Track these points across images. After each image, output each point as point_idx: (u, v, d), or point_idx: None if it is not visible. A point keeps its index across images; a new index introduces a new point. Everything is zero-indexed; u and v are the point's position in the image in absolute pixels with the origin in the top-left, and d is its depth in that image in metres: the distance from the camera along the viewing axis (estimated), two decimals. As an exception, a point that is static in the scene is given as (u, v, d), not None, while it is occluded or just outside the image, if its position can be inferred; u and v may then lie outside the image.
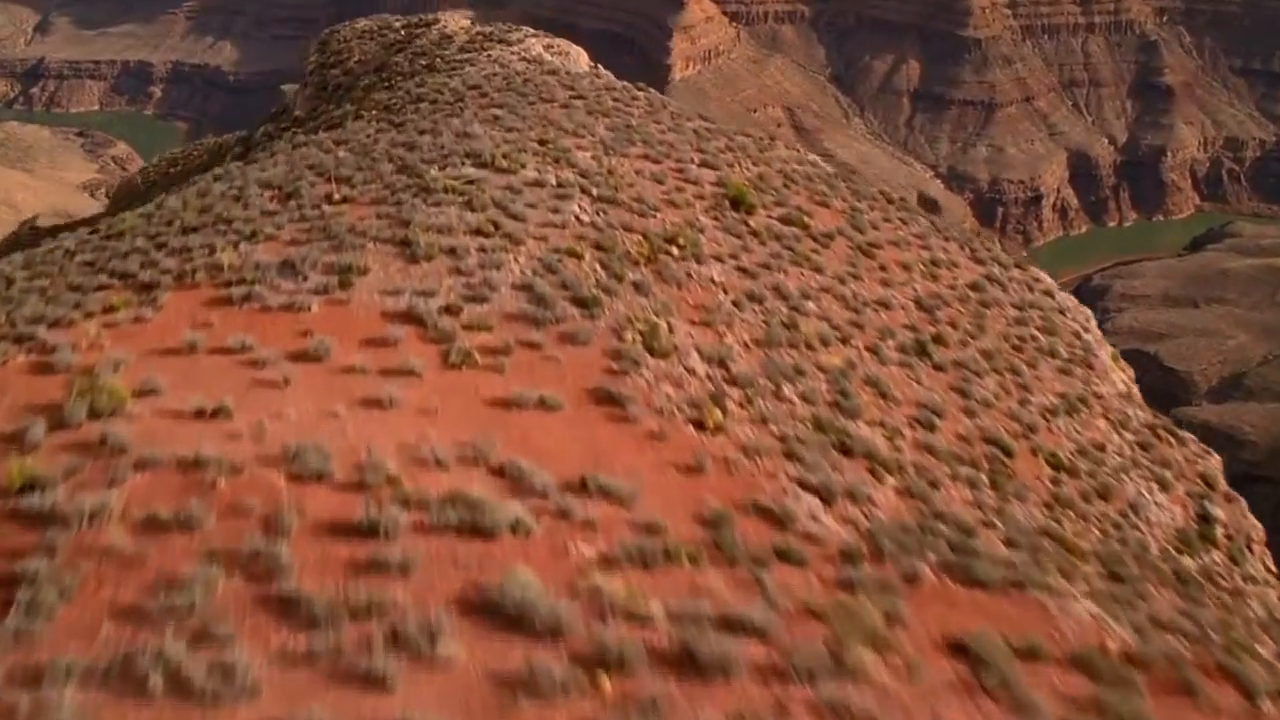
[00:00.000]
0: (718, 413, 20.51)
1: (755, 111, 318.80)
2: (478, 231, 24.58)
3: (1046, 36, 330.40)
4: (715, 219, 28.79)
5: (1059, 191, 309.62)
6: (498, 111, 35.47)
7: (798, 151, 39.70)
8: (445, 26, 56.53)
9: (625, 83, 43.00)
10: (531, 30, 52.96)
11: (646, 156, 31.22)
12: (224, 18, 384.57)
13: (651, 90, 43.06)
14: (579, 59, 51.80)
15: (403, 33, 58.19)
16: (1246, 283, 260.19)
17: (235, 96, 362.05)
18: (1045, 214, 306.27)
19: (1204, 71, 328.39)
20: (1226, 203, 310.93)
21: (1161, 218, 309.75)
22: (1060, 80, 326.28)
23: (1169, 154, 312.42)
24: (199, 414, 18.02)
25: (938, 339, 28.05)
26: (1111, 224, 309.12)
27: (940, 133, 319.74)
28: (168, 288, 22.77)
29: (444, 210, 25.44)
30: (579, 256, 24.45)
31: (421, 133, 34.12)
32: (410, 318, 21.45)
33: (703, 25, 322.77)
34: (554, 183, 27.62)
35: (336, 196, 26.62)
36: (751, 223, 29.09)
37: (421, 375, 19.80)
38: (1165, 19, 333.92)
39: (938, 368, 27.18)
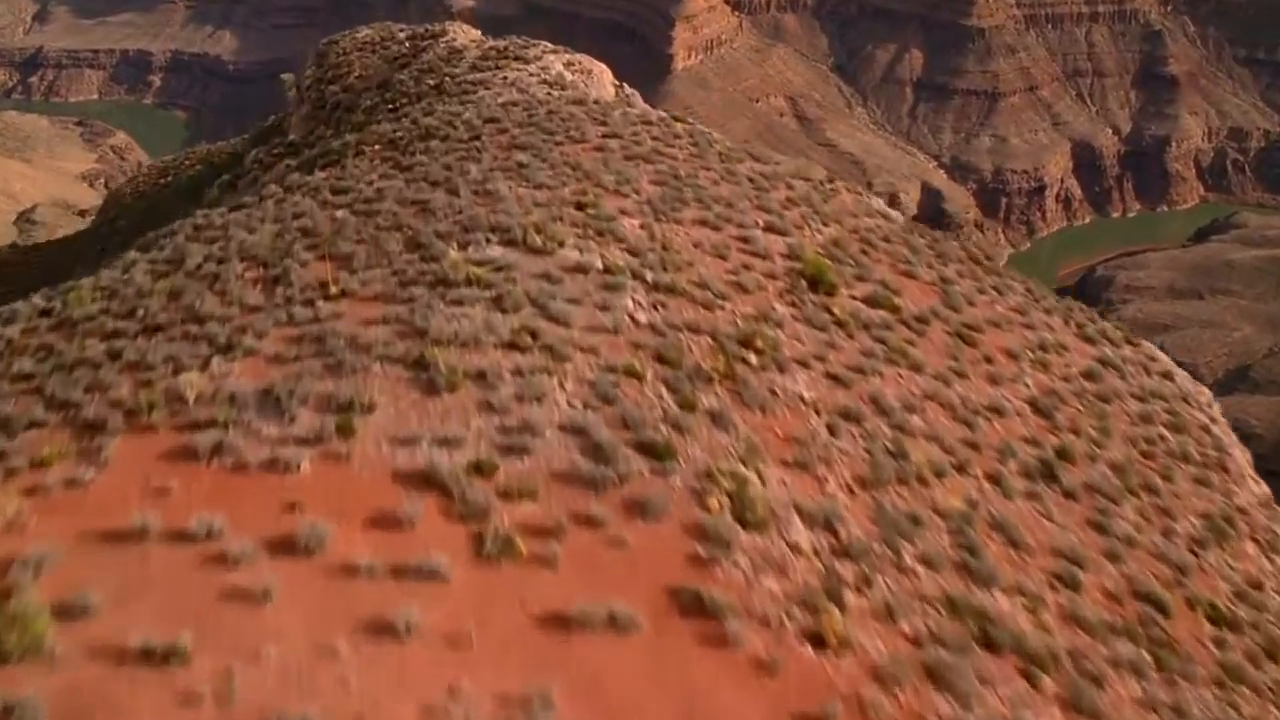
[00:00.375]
0: (837, 616, 15.24)
1: (758, 101, 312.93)
2: (511, 345, 19.17)
3: (1050, 26, 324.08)
4: (793, 305, 23.40)
5: (1063, 182, 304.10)
6: (521, 156, 30.01)
7: (861, 197, 34.27)
8: (454, 39, 50.98)
9: (661, 113, 37.54)
10: (549, 46, 47.43)
11: (704, 222, 25.77)
12: (223, 7, 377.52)
13: (690, 121, 37.63)
14: (603, 78, 46.34)
15: (407, 45, 52.64)
16: (1252, 274, 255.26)
17: (235, 86, 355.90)
18: (1049, 204, 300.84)
19: (1208, 61, 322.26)
20: (1231, 193, 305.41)
21: (1165, 208, 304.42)
22: (1064, 70, 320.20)
23: (1173, 144, 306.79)
24: (145, 655, 12.83)
25: (1063, 454, 22.72)
26: (1115, 214, 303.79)
27: (943, 123, 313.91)
28: (117, 430, 17.38)
29: (467, 312, 20.04)
30: (639, 376, 19.09)
31: (434, 184, 28.67)
32: (430, 481, 16.09)
33: (705, 14, 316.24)
34: (599, 266, 22.21)
35: (334, 288, 21.21)
36: (834, 308, 23.71)
37: (448, 577, 14.49)
38: (1169, 8, 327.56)
39: (1068, 494, 21.85)
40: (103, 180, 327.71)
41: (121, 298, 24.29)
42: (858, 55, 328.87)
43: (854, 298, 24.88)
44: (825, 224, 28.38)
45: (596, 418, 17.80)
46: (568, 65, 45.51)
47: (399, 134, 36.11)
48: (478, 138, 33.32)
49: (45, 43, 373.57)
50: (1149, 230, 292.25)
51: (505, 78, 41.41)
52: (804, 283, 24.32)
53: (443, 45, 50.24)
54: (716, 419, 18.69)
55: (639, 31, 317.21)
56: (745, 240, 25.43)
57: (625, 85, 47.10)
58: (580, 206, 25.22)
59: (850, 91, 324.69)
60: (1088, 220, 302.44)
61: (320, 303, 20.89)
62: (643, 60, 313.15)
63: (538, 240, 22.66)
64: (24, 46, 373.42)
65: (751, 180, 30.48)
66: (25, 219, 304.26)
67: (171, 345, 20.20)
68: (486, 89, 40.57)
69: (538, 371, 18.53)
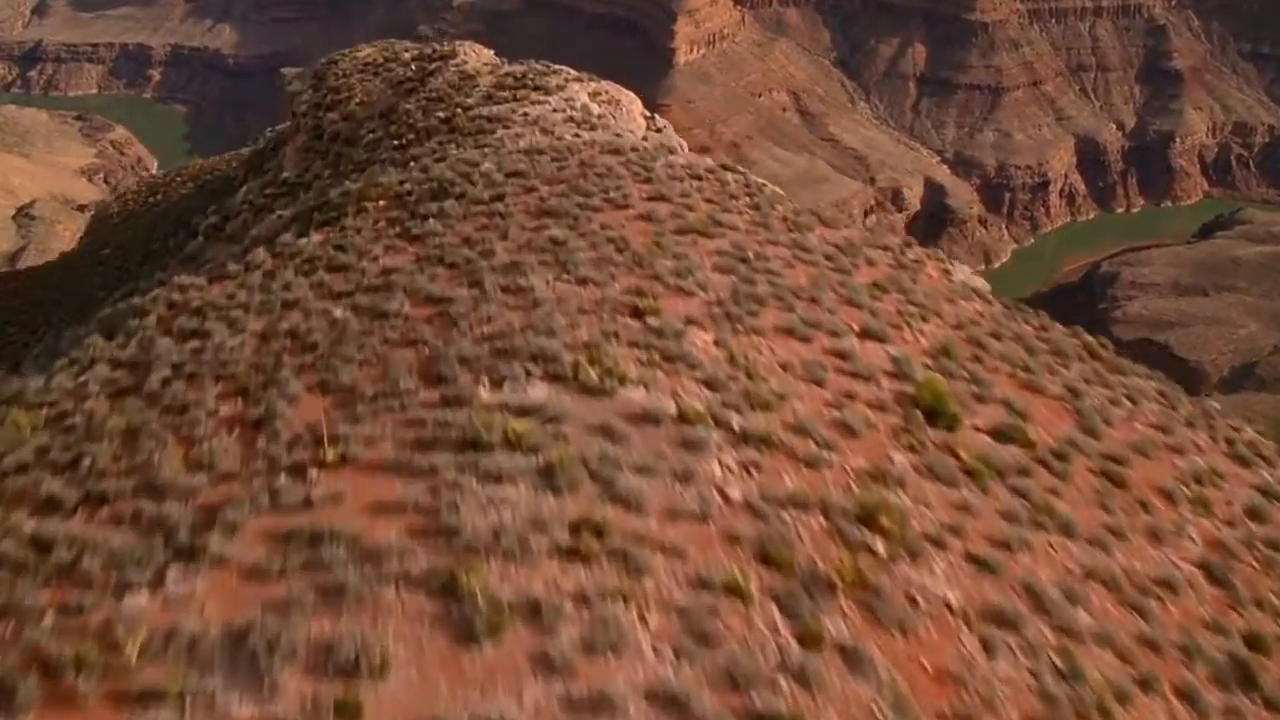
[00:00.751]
0: None
1: (760, 96, 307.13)
2: (571, 552, 14.00)
3: (1054, 20, 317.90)
4: (911, 450, 18.22)
5: (1067, 177, 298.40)
6: (556, 230, 24.78)
7: (945, 265, 29.06)
8: (464, 62, 45.64)
9: (707, 161, 32.32)
10: (572, 73, 42.13)
11: (789, 330, 20.55)
12: (223, 0, 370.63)
13: (740, 169, 32.46)
14: (632, 109, 41.10)
15: (414, 67, 47.28)
16: (1257, 270, 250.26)
17: (235, 80, 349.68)
18: (1053, 200, 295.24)
19: (1213, 56, 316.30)
20: (1235, 189, 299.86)
21: (1170, 204, 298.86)
22: (1068, 65, 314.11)
23: (1177, 139, 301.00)
24: None
25: (1254, 642, 17.63)
26: (1119, 210, 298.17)
27: (947, 117, 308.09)
28: (29, 703, 12.26)
29: (508, 495, 14.84)
30: (743, 595, 13.93)
31: (451, 266, 23.49)
32: (469, 806, 11.02)
33: (707, 9, 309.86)
34: (672, 412, 17.02)
35: (331, 453, 16.01)
36: (961, 450, 18.55)
37: None
38: (1173, 2, 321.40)
39: (1269, 703, 16.81)
40: (102, 175, 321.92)
41: (67, 430, 19.15)
42: (860, 49, 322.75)
43: (978, 429, 19.70)
44: (924, 318, 23.18)
45: (694, 675, 12.66)
46: (594, 96, 40.23)
47: (407, 186, 30.86)
48: (500, 198, 28.07)
49: (44, 36, 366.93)
50: (1153, 226, 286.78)
51: (526, 114, 36.13)
52: (919, 414, 19.14)
53: (452, 69, 44.91)
54: (850, 657, 13.56)
55: (640, 26, 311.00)
56: (841, 355, 20.22)
57: (657, 116, 41.83)
58: (638, 314, 20.00)
59: (853, 86, 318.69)
60: (1092, 216, 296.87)
61: (313, 473, 15.70)
62: (644, 54, 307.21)
63: (592, 374, 17.46)
64: (23, 40, 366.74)
65: (829, 258, 25.25)
66: (24, 214, 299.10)
67: (118, 535, 15.05)
68: (505, 127, 35.31)
69: (609, 597, 13.37)
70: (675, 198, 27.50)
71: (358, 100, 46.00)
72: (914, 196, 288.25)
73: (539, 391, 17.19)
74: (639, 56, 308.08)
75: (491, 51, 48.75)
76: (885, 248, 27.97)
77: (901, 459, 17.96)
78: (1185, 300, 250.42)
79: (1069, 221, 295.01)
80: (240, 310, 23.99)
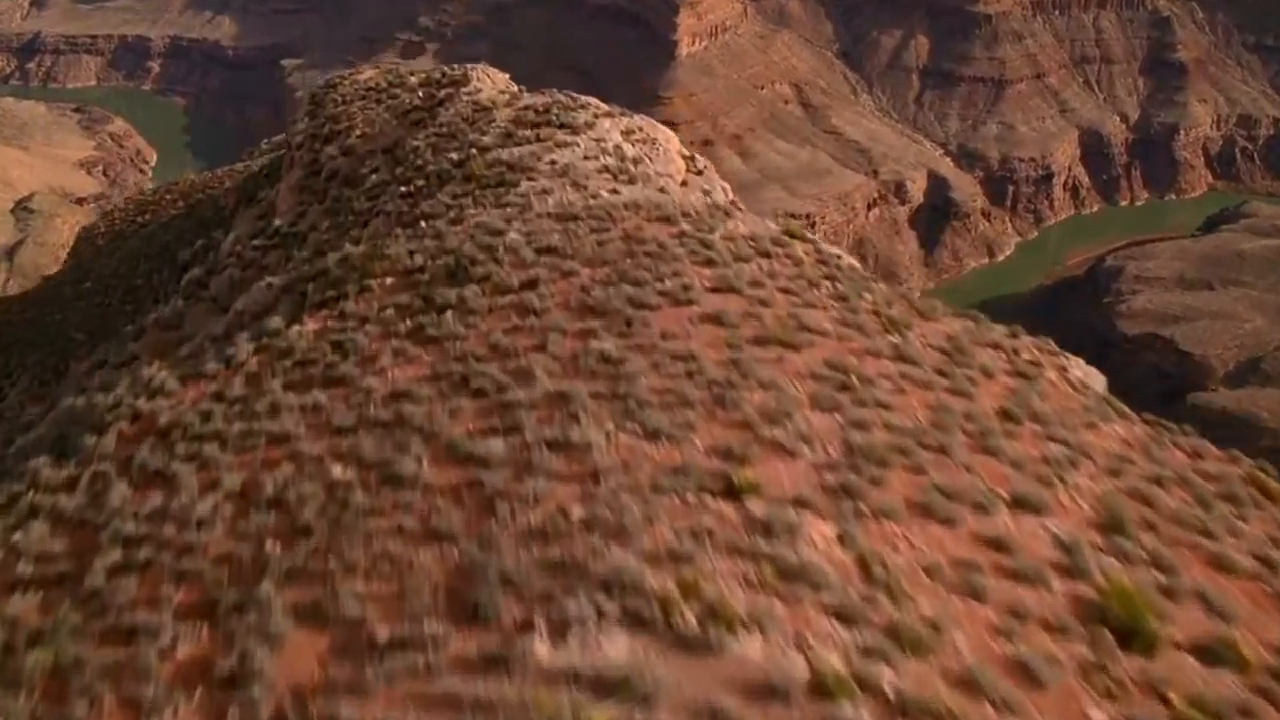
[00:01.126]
0: None
1: (762, 88, 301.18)
2: None
3: (1057, 12, 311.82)
4: (1109, 695, 13.29)
5: (1070, 170, 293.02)
6: (607, 344, 19.75)
7: (1056, 355, 24.04)
8: (478, 90, 40.44)
9: (770, 228, 27.24)
10: (599, 106, 36.98)
11: (925, 508, 15.49)
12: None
13: (810, 238, 27.40)
14: (669, 148, 35.99)
15: (420, 94, 42.06)
16: (1263, 264, 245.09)
17: (234, 72, 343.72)
18: (1056, 193, 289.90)
19: (1217, 48, 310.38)
20: (1240, 181, 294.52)
21: (1174, 197, 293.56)
22: (1071, 57, 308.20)
23: (1182, 132, 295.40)
24: None
25: None
26: (1123, 203, 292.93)
27: (950, 110, 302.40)
28: None
29: None
30: None
31: (478, 395, 18.50)
32: None
33: (709, 0, 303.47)
34: (803, 676, 12.04)
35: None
36: (1169, 692, 13.64)
37: None
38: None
39: None
40: (101, 168, 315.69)
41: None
42: (863, 41, 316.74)
43: (1179, 646, 14.71)
44: (1074, 463, 18.15)
45: None
46: (627, 134, 35.09)
47: (418, 261, 25.79)
48: (532, 284, 23.02)
49: (43, 28, 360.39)
50: (1157, 219, 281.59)
51: (554, 162, 31.01)
52: (1109, 635, 14.17)
53: (464, 99, 39.69)
54: None
55: (642, 17, 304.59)
56: (997, 545, 15.17)
57: (696, 157, 36.67)
58: (732, 492, 14.97)
59: (856, 78, 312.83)
60: (1096, 209, 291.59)
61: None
62: (646, 46, 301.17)
63: (688, 617, 12.45)
64: (21, 32, 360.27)
65: (942, 373, 20.19)
66: (22, 207, 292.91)
67: None
68: (529, 178, 30.18)
69: None
70: (745, 287, 22.42)
71: (359, 132, 40.81)
72: (917, 189, 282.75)
73: (618, 647, 12.13)
74: (641, 48, 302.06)
75: (507, 76, 43.51)
76: (995, 345, 22.92)
77: (1101, 717, 12.98)
78: (1190, 294, 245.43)
79: (1073, 214, 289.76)
80: (215, 445, 19.04)
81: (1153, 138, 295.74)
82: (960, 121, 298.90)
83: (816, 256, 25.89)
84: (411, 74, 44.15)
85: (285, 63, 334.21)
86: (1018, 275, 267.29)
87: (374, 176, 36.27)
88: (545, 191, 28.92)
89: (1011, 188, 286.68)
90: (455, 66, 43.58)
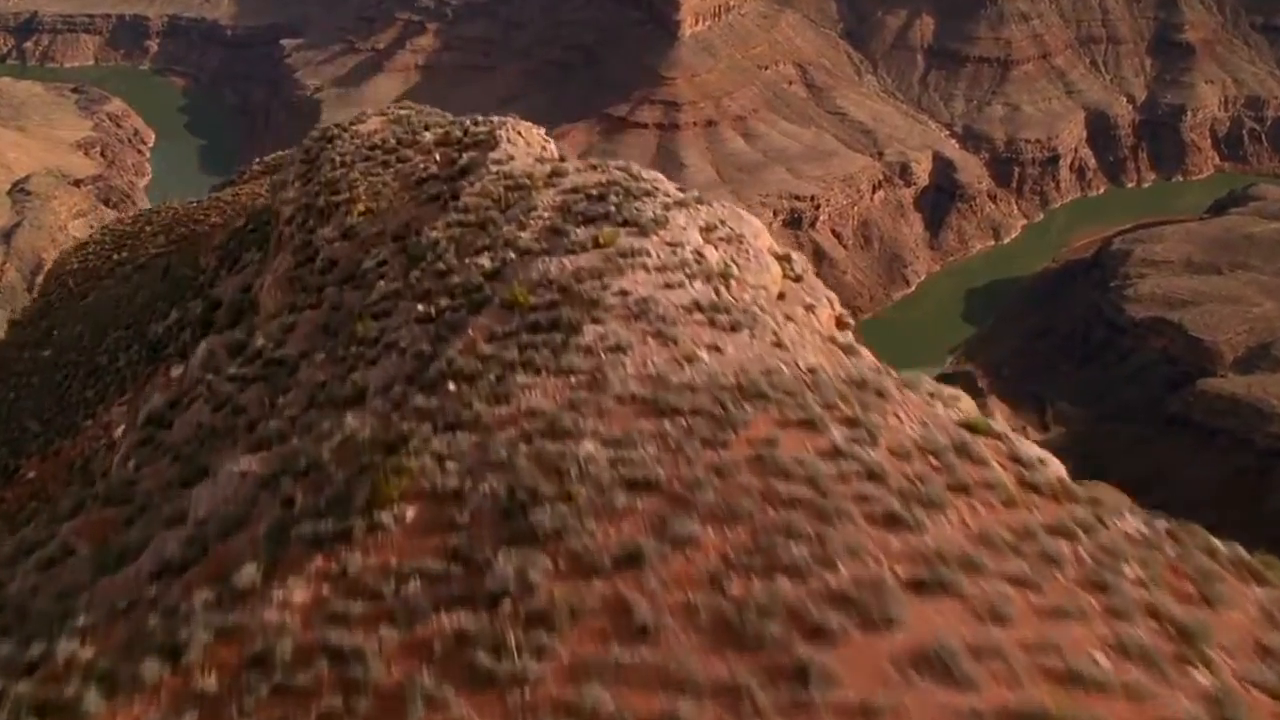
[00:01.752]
0: None
1: (766, 69, 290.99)
2: None
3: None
4: None
5: (1077, 151, 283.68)
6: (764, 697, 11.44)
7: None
8: (510, 157, 31.83)
9: (943, 420, 18.88)
10: (667, 190, 28.39)
11: None
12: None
13: (997, 430, 19.03)
14: (758, 244, 27.53)
15: (438, 157, 33.38)
16: (1272, 247, 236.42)
17: (233, 51, 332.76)
18: (1063, 174, 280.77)
19: (1224, 28, 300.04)
20: (1247, 163, 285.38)
21: (1181, 178, 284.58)
22: (1078, 37, 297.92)
23: (1189, 113, 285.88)
24: None
25: None
26: (1130, 185, 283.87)
27: (955, 90, 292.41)
28: None
29: None
30: None
31: None
32: None
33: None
34: None
35: None
36: None
37: None
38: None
39: None
40: (99, 148, 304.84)
41: None
42: (868, 21, 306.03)
43: None
44: None
45: None
46: (707, 232, 26.62)
47: (450, 479, 17.41)
48: (635, 563, 14.70)
49: (40, 7, 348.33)
50: (1164, 201, 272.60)
51: (624, 292, 22.52)
52: None
53: (493, 169, 31.04)
54: None
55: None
56: None
57: (792, 255, 28.23)
58: None
59: (860, 58, 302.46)
60: (1102, 190, 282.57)
61: None
62: (649, 25, 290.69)
63: None
64: (18, 11, 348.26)
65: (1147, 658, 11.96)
66: (19, 189, 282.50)
67: None
68: (594, 319, 21.70)
69: None
70: (962, 578, 14.09)
71: (361, 207, 32.22)
72: (922, 171, 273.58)
73: None
74: (643, 27, 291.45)
75: (541, 131, 34.82)
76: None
77: None
78: (1199, 278, 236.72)
79: (1079, 196, 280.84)
80: None
81: (1160, 119, 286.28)
82: (966, 102, 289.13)
83: (1019, 474, 17.57)
84: (426, 128, 35.30)
85: (284, 42, 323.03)
86: (1024, 258, 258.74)
87: (382, 283, 27.74)
88: (619, 349, 20.46)
89: (1017, 169, 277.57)
90: (478, 120, 34.81)
